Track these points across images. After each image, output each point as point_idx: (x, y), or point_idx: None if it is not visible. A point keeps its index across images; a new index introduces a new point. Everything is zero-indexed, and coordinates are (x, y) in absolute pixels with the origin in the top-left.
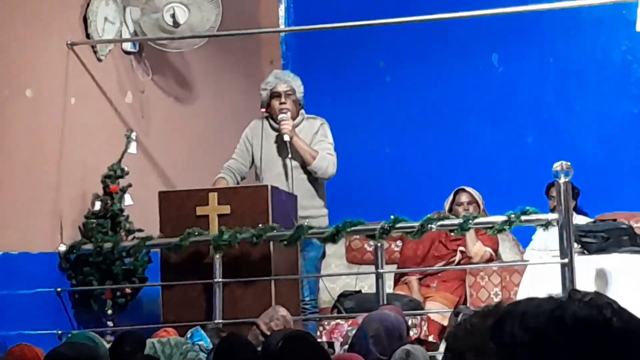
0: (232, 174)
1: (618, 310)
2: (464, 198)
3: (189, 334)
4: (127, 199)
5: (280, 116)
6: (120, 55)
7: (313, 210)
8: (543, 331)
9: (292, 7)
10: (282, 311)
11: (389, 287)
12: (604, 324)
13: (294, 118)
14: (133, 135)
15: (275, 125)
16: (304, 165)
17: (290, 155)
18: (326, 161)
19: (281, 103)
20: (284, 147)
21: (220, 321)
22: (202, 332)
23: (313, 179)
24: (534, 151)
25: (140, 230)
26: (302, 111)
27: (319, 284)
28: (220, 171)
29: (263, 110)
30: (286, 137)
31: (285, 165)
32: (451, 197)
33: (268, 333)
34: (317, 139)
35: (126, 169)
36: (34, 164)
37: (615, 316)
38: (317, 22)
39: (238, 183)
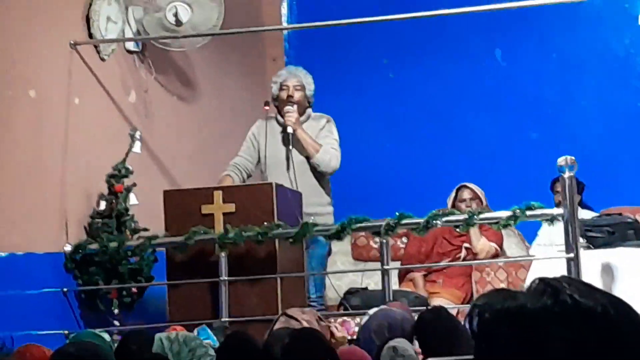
0: (239, 171)
1: (571, 289)
2: (466, 194)
3: (195, 333)
4: (132, 198)
5: (286, 108)
6: (123, 55)
7: (319, 208)
8: (538, 327)
9: (294, 5)
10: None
11: (394, 284)
12: (602, 314)
13: (300, 114)
14: (137, 134)
15: (281, 120)
16: (309, 161)
17: (291, 147)
18: (329, 154)
19: (289, 96)
20: (288, 143)
21: (227, 319)
22: (209, 330)
23: (319, 175)
24: (538, 146)
25: (145, 230)
26: (309, 109)
27: (325, 281)
28: (227, 168)
29: (267, 108)
30: (289, 129)
31: (288, 159)
32: (453, 193)
33: (301, 321)
34: (323, 135)
35: (131, 168)
36: (39, 164)
37: (569, 297)
38: (319, 19)
39: (244, 180)
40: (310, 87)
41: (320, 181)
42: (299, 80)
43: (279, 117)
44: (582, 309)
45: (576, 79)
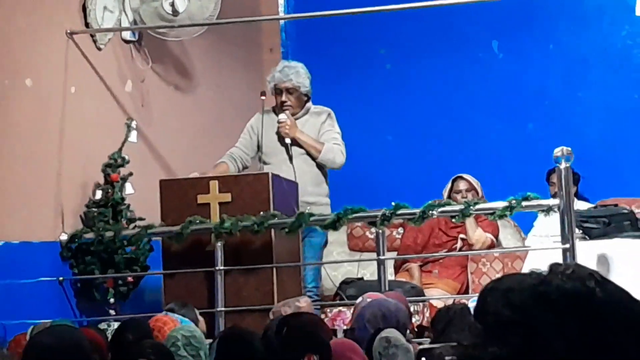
0: (234, 160)
1: (601, 281)
2: (462, 185)
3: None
4: (128, 188)
5: (280, 116)
6: (120, 44)
7: (319, 197)
8: (527, 307)
9: None
10: (302, 302)
11: (390, 275)
12: (588, 295)
13: (295, 113)
14: (133, 124)
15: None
16: (308, 152)
17: (290, 152)
18: (332, 152)
19: (282, 102)
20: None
21: (223, 309)
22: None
23: (319, 165)
24: (535, 137)
25: (141, 219)
26: (308, 103)
27: (321, 271)
28: (223, 157)
29: (263, 98)
30: (287, 140)
31: (288, 151)
32: (449, 185)
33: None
34: (324, 129)
35: (127, 157)
36: (35, 153)
37: (598, 287)
38: (316, 10)
39: (240, 171)
40: (305, 83)
41: (320, 170)
42: (290, 82)
43: (277, 110)
44: (566, 289)
45: (573, 70)
